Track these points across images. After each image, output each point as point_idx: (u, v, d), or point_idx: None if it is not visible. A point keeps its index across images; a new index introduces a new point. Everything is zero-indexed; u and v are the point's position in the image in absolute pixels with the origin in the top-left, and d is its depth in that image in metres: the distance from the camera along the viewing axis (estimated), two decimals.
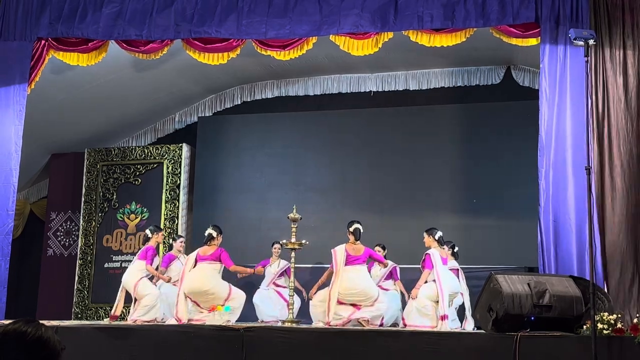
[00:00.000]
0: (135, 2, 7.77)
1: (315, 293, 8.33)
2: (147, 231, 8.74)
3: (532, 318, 5.63)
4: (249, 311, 8.83)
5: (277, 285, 9.60)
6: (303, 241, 8.98)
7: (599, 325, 5.42)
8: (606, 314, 5.57)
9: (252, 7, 7.54)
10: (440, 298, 7.67)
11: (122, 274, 9.11)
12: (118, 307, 8.59)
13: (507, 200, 9.82)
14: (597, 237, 6.32)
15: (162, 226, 10.46)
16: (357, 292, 7.92)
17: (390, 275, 8.90)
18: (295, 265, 9.05)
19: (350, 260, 7.99)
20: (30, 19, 8.01)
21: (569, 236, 6.56)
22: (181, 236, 9.78)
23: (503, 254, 9.67)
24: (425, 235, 8.18)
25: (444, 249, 8.15)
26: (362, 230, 8.15)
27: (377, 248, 8.94)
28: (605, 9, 6.70)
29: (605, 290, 6.15)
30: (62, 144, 11.49)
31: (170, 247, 9.83)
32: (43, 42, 8.12)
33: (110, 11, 7.77)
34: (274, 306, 9.46)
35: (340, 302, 7.84)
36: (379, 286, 8.44)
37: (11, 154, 7.87)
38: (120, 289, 8.61)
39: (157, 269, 8.70)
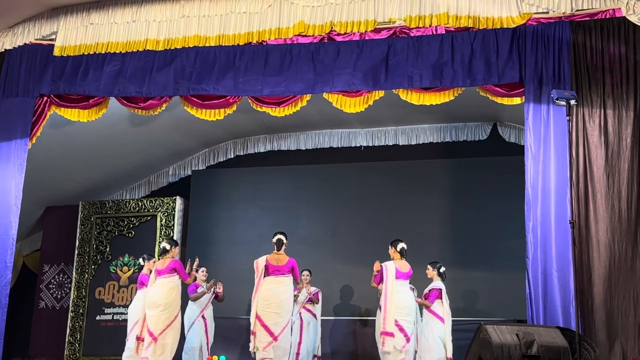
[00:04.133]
0: (135, 60, 8.00)
1: None
2: (166, 244, 8.61)
3: None
4: None
5: (308, 311, 9.65)
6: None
7: None
8: None
9: (249, 65, 7.79)
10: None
11: (114, 327, 9.05)
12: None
13: (495, 254, 10.01)
14: (583, 289, 6.50)
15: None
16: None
17: None
18: None
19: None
20: (33, 76, 8.24)
21: (556, 288, 6.72)
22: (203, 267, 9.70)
23: (492, 306, 9.82)
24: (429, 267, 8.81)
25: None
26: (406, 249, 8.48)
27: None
28: (585, 70, 6.98)
29: (592, 340, 6.30)
30: (57, 196, 11.61)
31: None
32: (45, 98, 8.34)
33: (111, 69, 8.00)
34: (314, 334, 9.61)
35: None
36: None
37: (11, 206, 7.99)
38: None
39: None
